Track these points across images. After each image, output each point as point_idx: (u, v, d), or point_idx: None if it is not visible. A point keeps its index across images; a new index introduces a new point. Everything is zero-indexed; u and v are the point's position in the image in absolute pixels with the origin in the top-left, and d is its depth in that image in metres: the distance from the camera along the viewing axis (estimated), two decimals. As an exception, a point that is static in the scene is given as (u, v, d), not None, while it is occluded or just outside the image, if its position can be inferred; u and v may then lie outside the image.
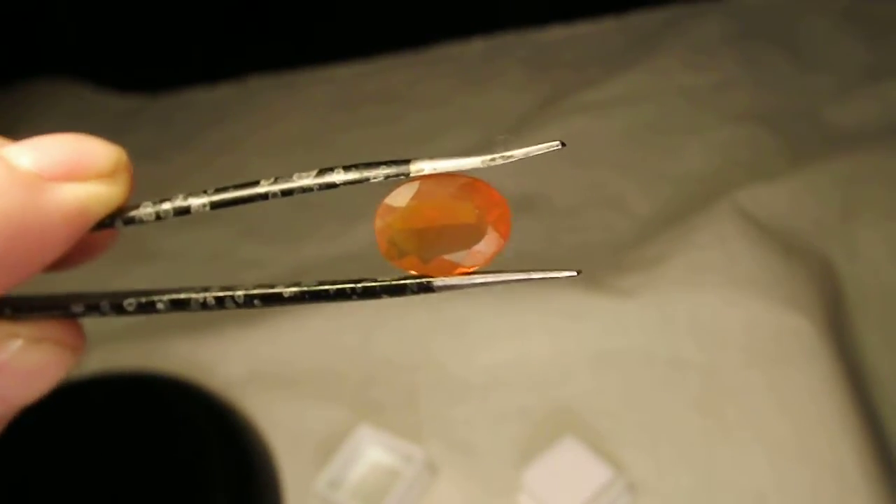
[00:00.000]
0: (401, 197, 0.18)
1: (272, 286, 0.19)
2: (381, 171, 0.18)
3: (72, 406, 0.58)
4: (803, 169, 0.70)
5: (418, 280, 0.18)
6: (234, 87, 1.01)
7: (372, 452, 0.57)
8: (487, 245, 0.18)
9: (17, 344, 0.18)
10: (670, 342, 0.59)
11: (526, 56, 0.94)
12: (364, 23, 1.01)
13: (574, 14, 0.95)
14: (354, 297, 0.18)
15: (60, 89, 1.03)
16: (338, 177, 0.18)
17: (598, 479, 0.51)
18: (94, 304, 0.20)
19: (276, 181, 0.18)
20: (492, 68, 0.94)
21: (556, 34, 0.96)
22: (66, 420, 0.58)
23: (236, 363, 0.64)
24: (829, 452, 0.52)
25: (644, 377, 0.58)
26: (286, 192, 0.18)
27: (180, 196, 0.19)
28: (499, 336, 0.62)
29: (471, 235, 0.18)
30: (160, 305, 0.20)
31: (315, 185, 0.18)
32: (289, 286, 0.19)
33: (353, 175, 0.18)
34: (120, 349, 0.66)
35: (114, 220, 0.19)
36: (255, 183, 0.18)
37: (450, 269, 0.18)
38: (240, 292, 0.19)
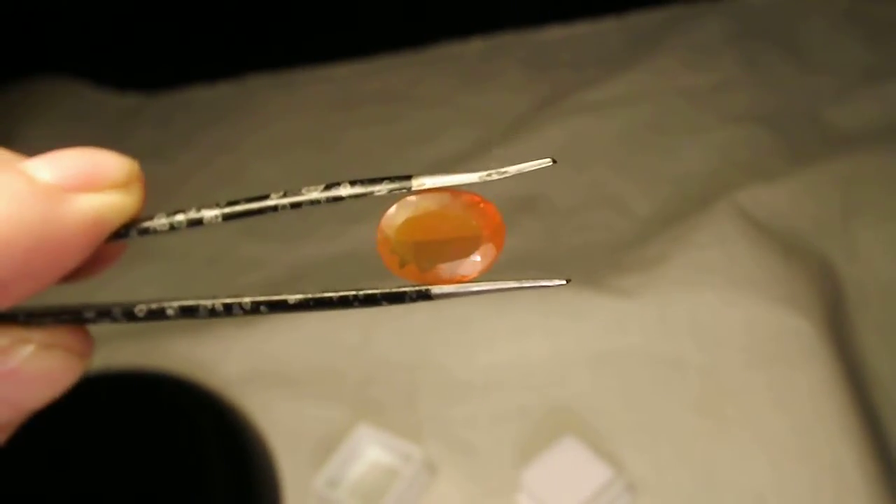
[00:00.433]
0: (402, 210, 0.19)
1: (278, 293, 0.20)
2: (385, 186, 0.19)
3: (72, 403, 0.58)
4: (803, 169, 0.70)
5: (417, 288, 0.19)
6: (234, 87, 1.01)
7: (371, 451, 0.57)
8: (483, 256, 0.19)
9: (29, 349, 0.19)
10: (670, 342, 0.59)
11: (525, 56, 0.94)
12: (363, 22, 1.01)
13: (573, 14, 0.95)
14: (356, 304, 0.19)
15: (60, 88, 1.03)
16: (344, 191, 0.19)
17: (597, 478, 0.51)
18: (106, 311, 0.21)
19: (285, 195, 0.19)
20: (491, 68, 0.94)
21: (555, 34, 0.96)
22: (67, 417, 0.57)
23: (236, 362, 0.64)
24: (829, 452, 0.52)
25: (644, 377, 0.58)
26: (295, 205, 0.19)
27: (193, 208, 0.20)
28: (498, 336, 0.62)
29: (467, 246, 0.19)
30: (170, 312, 0.20)
31: (322, 198, 0.19)
32: (293, 294, 0.19)
33: (358, 189, 0.19)
34: (120, 347, 0.66)
35: (129, 230, 0.20)
36: (266, 196, 0.19)
37: (447, 278, 0.19)
38: (247, 299, 0.20)
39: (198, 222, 0.20)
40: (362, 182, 0.19)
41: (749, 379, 0.57)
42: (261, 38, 1.03)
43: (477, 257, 0.19)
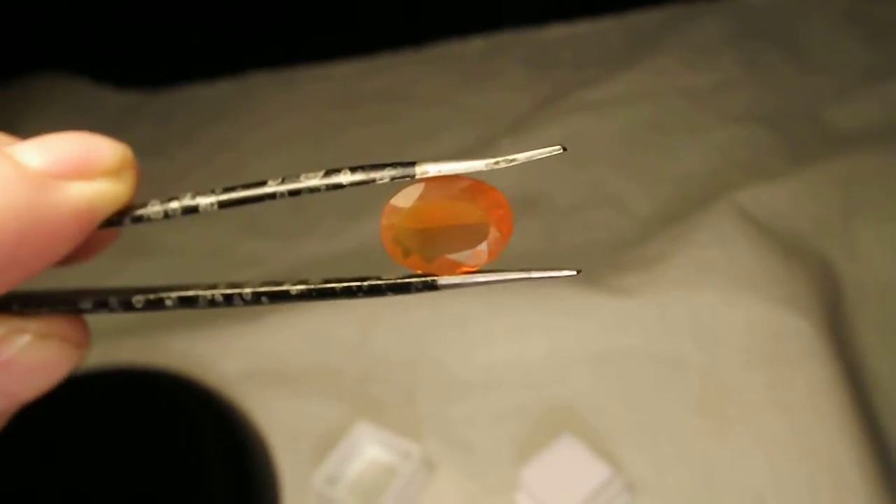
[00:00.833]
0: (406, 198, 0.18)
1: (279, 283, 0.19)
2: (387, 173, 0.18)
3: (70, 400, 0.58)
4: (803, 169, 0.70)
5: (422, 278, 0.18)
6: (234, 84, 1.01)
7: (370, 449, 0.57)
8: (490, 245, 0.18)
9: (25, 339, 0.19)
10: (669, 341, 0.59)
11: (526, 55, 0.94)
12: (364, 20, 1.01)
13: (574, 13, 0.96)
14: (360, 294, 0.19)
15: (60, 85, 1.03)
16: (344, 178, 0.18)
17: (596, 477, 0.51)
18: (103, 301, 0.20)
19: (283, 181, 0.18)
20: (492, 67, 0.94)
21: (555, 33, 0.96)
22: (65, 413, 0.57)
23: (235, 359, 0.64)
24: (828, 452, 0.52)
25: (643, 376, 0.58)
26: (293, 192, 0.18)
27: (188, 195, 0.19)
28: (498, 334, 0.62)
29: (474, 235, 0.18)
30: (168, 302, 0.20)
31: (322, 185, 0.18)
32: (295, 284, 0.19)
33: (359, 176, 0.18)
34: (119, 344, 0.66)
35: (122, 217, 0.19)
36: (263, 183, 0.19)
37: (453, 268, 0.18)
38: (247, 290, 0.19)
39: (193, 210, 0.19)
40: (363, 168, 0.18)
41: (748, 378, 0.57)
42: (261, 35, 1.03)
43: (484, 246, 0.18)
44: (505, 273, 0.18)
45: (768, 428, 0.54)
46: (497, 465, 0.55)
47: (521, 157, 0.18)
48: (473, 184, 0.18)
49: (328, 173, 0.18)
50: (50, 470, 0.58)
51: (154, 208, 0.19)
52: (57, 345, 0.19)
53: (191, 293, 0.20)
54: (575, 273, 0.17)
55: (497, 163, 0.18)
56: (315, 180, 0.18)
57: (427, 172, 0.18)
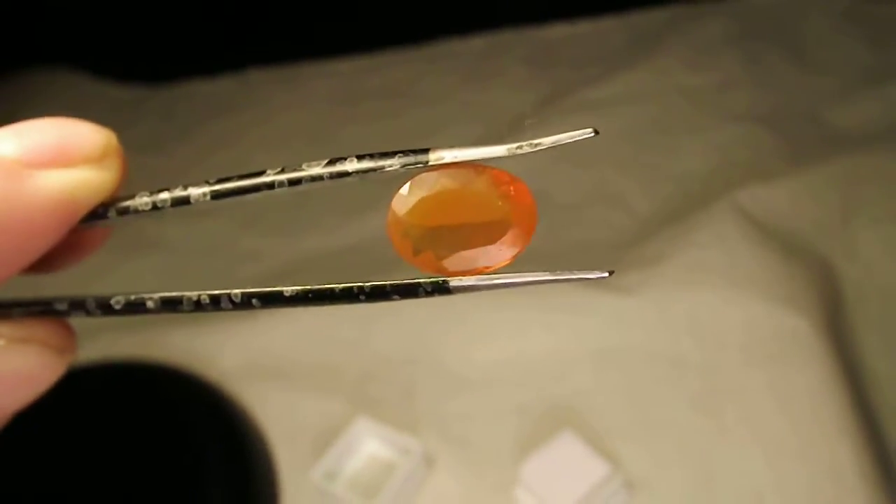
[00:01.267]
0: (417, 188, 0.16)
1: (272, 285, 0.18)
2: (398, 160, 0.16)
3: (69, 394, 0.58)
4: (803, 169, 0.70)
5: (433, 280, 0.16)
6: (235, 80, 1.01)
7: (369, 445, 0.57)
8: (511, 242, 0.16)
9: None
10: (669, 340, 0.59)
11: (527, 54, 0.94)
12: (366, 18, 1.01)
13: (575, 12, 0.96)
14: (362, 297, 0.17)
15: (61, 79, 1.03)
16: (350, 165, 0.16)
17: (595, 474, 0.51)
18: (80, 302, 0.19)
19: (283, 170, 0.17)
20: (492, 65, 0.94)
21: (556, 32, 0.96)
22: (64, 408, 0.57)
23: (234, 354, 0.64)
24: (827, 452, 0.52)
25: (643, 375, 0.58)
26: (294, 182, 0.17)
27: (179, 186, 0.18)
28: (497, 332, 0.62)
29: (493, 232, 0.16)
30: (150, 304, 0.18)
31: (326, 174, 0.16)
32: (290, 285, 0.17)
33: (366, 164, 0.16)
34: (118, 339, 0.66)
35: (107, 209, 0.18)
36: (261, 172, 0.17)
37: (468, 268, 0.16)
38: (237, 291, 0.17)
39: (184, 201, 0.17)
40: (371, 156, 0.16)
41: (748, 378, 0.57)
42: (263, 32, 1.03)
43: (503, 245, 0.16)
44: (526, 275, 0.16)
45: (767, 427, 0.54)
46: (496, 462, 0.55)
47: (547, 141, 0.16)
48: (493, 172, 0.16)
49: (332, 161, 0.17)
50: (49, 462, 0.58)
51: (142, 200, 0.18)
52: (37, 351, 0.17)
53: (174, 294, 0.18)
54: (606, 275, 0.15)
55: (520, 147, 0.16)
56: (318, 169, 0.17)
57: (442, 159, 0.16)
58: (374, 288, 0.17)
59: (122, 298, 0.18)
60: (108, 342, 0.65)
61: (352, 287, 0.17)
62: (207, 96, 1.00)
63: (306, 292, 0.17)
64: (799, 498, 0.51)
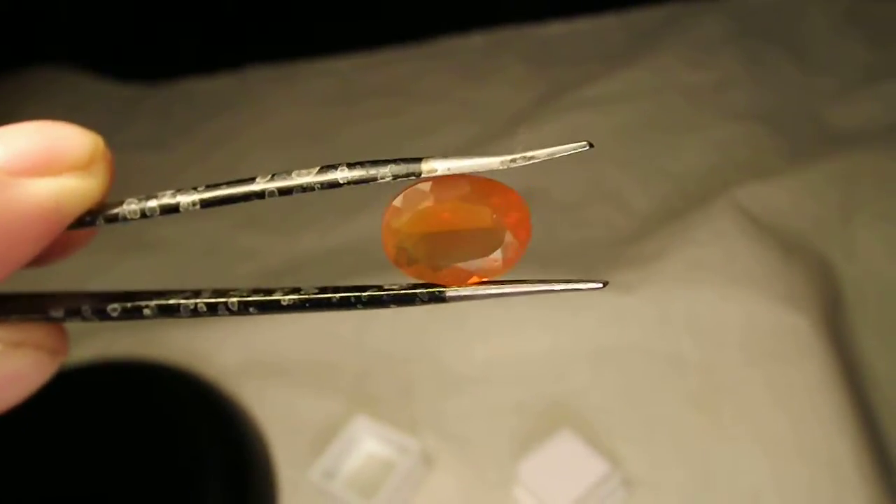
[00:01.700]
0: (411, 198, 0.17)
1: (270, 292, 0.18)
2: (389, 170, 0.16)
3: (68, 392, 0.58)
4: (802, 168, 0.70)
5: (429, 289, 0.17)
6: (234, 78, 1.01)
7: (367, 443, 0.57)
8: (505, 252, 0.17)
9: None
10: (668, 338, 0.59)
11: (526, 51, 0.94)
12: (364, 15, 1.01)
13: (574, 10, 0.95)
14: (359, 305, 0.17)
15: (59, 78, 1.03)
16: (341, 175, 0.16)
17: (593, 473, 0.51)
18: (76, 309, 0.18)
19: (273, 178, 0.17)
20: (492, 63, 0.94)
21: (556, 30, 0.96)
22: (62, 406, 0.57)
23: (233, 352, 0.64)
24: (826, 450, 0.52)
25: (641, 373, 0.58)
26: (284, 191, 0.17)
27: (168, 193, 0.17)
28: (496, 330, 0.62)
29: (487, 242, 0.16)
30: (147, 312, 0.18)
31: (316, 183, 0.16)
32: (287, 293, 0.17)
33: (358, 173, 0.16)
34: (117, 337, 0.66)
35: (95, 217, 0.18)
36: (251, 180, 0.17)
37: (463, 278, 0.17)
38: (234, 299, 0.18)
39: (173, 209, 0.17)
40: (363, 164, 0.16)
41: (746, 376, 0.57)
42: (262, 30, 1.03)
43: (498, 254, 0.16)
44: (521, 284, 0.16)
45: (766, 425, 0.54)
46: (495, 460, 0.55)
47: (542, 154, 0.16)
48: (487, 183, 0.16)
49: (323, 169, 0.16)
50: (48, 461, 0.58)
51: (130, 207, 0.17)
52: (31, 354, 0.17)
53: (172, 301, 0.18)
54: (601, 285, 0.16)
55: (514, 160, 0.16)
56: (308, 178, 0.16)
57: (434, 171, 0.16)
58: (370, 297, 0.17)
59: (118, 306, 0.18)
60: (107, 341, 0.65)
61: (349, 296, 0.17)
62: (206, 94, 0.99)
63: (303, 301, 0.17)
64: (798, 496, 0.51)
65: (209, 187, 0.17)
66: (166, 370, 0.63)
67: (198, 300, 0.18)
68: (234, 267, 0.75)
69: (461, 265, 0.17)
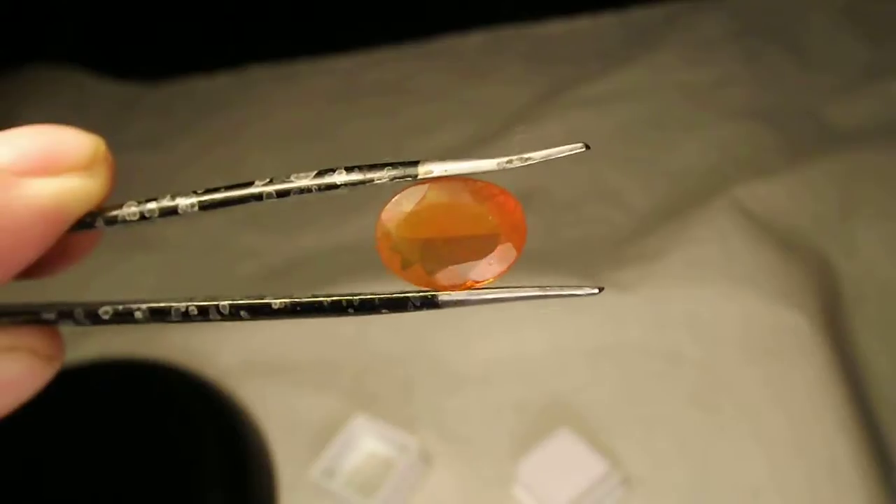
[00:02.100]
0: (406, 201, 0.16)
1: (261, 297, 0.18)
2: (387, 173, 0.16)
3: (68, 392, 0.58)
4: (802, 166, 0.70)
5: (422, 294, 0.17)
6: (234, 77, 1.01)
7: (367, 442, 0.57)
8: (501, 257, 0.16)
9: None
10: (667, 337, 0.59)
11: (525, 50, 0.94)
12: (364, 14, 1.01)
13: (574, 9, 0.95)
14: (351, 311, 0.17)
15: (59, 76, 1.03)
16: (339, 178, 0.16)
17: (592, 471, 0.51)
18: (68, 312, 0.19)
19: (271, 181, 0.17)
20: (491, 62, 0.94)
21: (555, 28, 0.96)
22: (62, 406, 0.57)
23: (232, 352, 0.64)
24: (825, 448, 0.52)
25: (640, 371, 0.58)
26: (282, 194, 0.17)
27: (168, 196, 0.18)
28: (495, 328, 0.62)
29: (482, 246, 0.16)
30: (138, 315, 0.18)
31: (314, 186, 0.17)
32: (279, 297, 0.17)
33: (355, 176, 0.16)
34: (116, 336, 0.66)
35: (95, 218, 0.18)
36: (249, 183, 0.17)
37: (458, 283, 0.17)
38: (225, 302, 0.18)
39: (172, 212, 0.17)
40: (360, 168, 0.16)
41: (745, 374, 0.57)
42: (261, 28, 1.03)
43: (493, 259, 0.16)
44: (516, 290, 0.16)
45: (765, 423, 0.54)
46: (494, 459, 0.55)
47: (538, 155, 0.16)
48: (483, 186, 0.16)
49: (321, 173, 0.17)
50: (48, 459, 0.58)
51: (130, 209, 0.18)
52: (26, 359, 0.17)
53: (163, 305, 0.18)
54: (596, 291, 0.16)
55: (510, 162, 0.16)
56: (306, 180, 0.17)
57: (431, 172, 0.16)
58: (362, 301, 0.17)
59: (109, 308, 0.18)
60: (106, 339, 0.65)
61: (340, 300, 0.17)
62: (206, 93, 0.99)
63: (294, 305, 0.17)
64: (796, 494, 0.51)
65: (208, 191, 0.17)
66: (166, 369, 0.63)
67: (189, 304, 0.18)
68: (234, 266, 0.75)
69: (456, 269, 0.17)
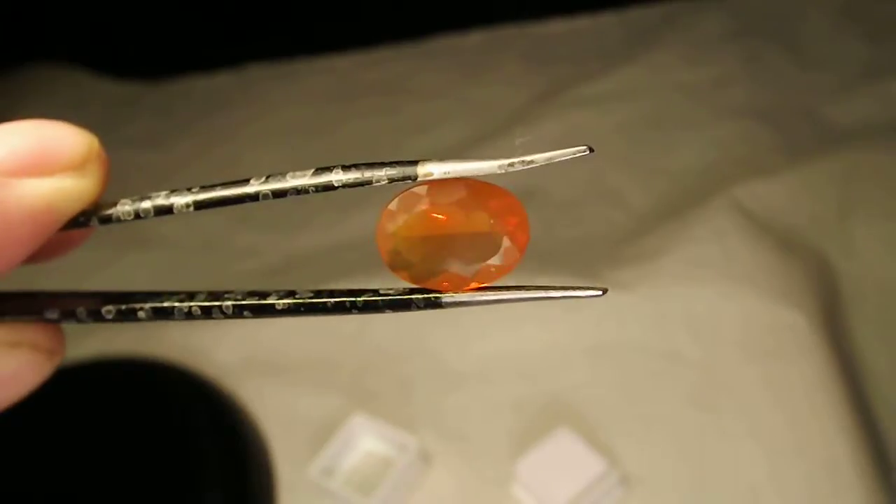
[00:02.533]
0: (407, 202, 0.16)
1: (264, 295, 0.17)
2: (385, 173, 0.16)
3: (67, 390, 0.58)
4: (801, 166, 0.70)
5: (425, 295, 0.17)
6: (233, 76, 1.01)
7: (366, 441, 0.57)
8: (503, 257, 0.16)
9: None
10: (666, 336, 0.59)
11: (524, 49, 0.94)
12: (363, 13, 1.01)
13: (573, 8, 0.95)
14: (354, 311, 0.17)
15: (58, 76, 1.03)
16: (336, 177, 0.16)
17: (591, 470, 0.51)
18: (71, 312, 0.19)
19: (267, 180, 0.17)
20: (490, 61, 0.94)
21: (554, 28, 0.96)
22: (61, 404, 0.57)
23: (231, 350, 0.64)
24: (823, 447, 0.52)
25: (639, 370, 0.58)
26: (278, 194, 0.16)
27: (162, 194, 0.17)
28: (494, 327, 0.62)
29: (485, 247, 0.16)
30: (141, 314, 0.18)
31: (311, 185, 0.16)
32: (282, 297, 0.17)
33: (353, 175, 0.16)
34: (115, 334, 0.66)
35: (89, 217, 0.18)
36: (245, 182, 0.17)
37: (460, 284, 0.17)
38: (228, 302, 0.18)
39: (167, 210, 0.17)
40: (358, 167, 0.16)
41: (744, 373, 0.57)
42: (261, 27, 1.03)
43: (496, 260, 0.16)
44: (519, 291, 0.16)
45: (764, 422, 0.54)
46: (493, 458, 0.55)
47: (541, 158, 0.15)
48: (485, 186, 0.16)
49: (318, 172, 0.16)
50: (47, 459, 0.58)
51: (124, 208, 0.17)
52: (27, 354, 0.17)
53: (166, 304, 0.18)
54: (599, 293, 0.15)
55: (512, 164, 0.15)
56: (303, 180, 0.16)
57: (430, 174, 0.16)
58: (366, 302, 0.17)
59: (112, 308, 0.18)
60: (105, 338, 0.65)
61: (344, 301, 0.17)
62: (205, 92, 0.99)
63: (298, 305, 0.17)
64: (795, 493, 0.51)
65: (203, 188, 0.17)
66: (165, 368, 0.63)
67: (192, 303, 0.18)
68: (232, 264, 0.75)
69: (458, 270, 0.16)
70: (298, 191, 0.16)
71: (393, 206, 0.16)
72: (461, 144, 0.82)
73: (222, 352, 0.64)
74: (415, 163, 0.16)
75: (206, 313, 0.18)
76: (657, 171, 0.75)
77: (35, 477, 0.57)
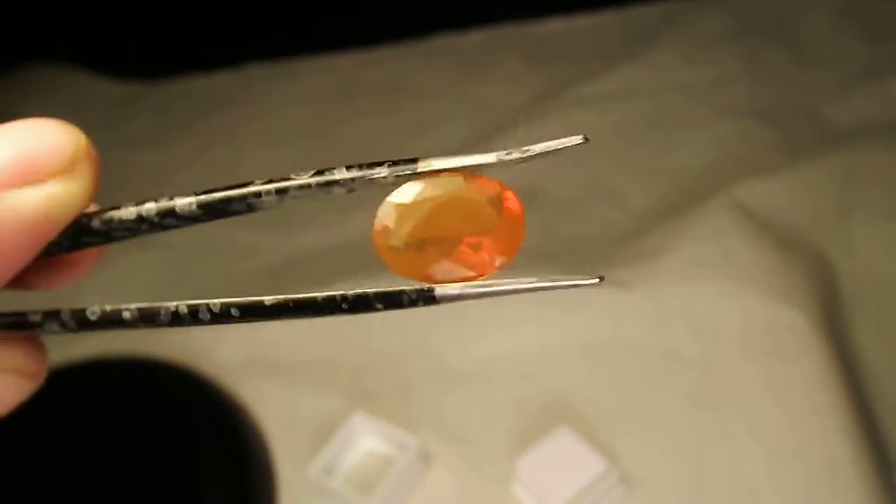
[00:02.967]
0: (404, 195, 0.16)
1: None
2: (387, 169, 0.16)
3: (67, 390, 0.58)
4: (800, 165, 0.70)
5: (418, 288, 0.16)
6: (233, 76, 1.01)
7: (366, 440, 0.57)
8: (499, 251, 0.16)
9: None
10: (666, 335, 0.59)
11: (524, 48, 0.94)
12: (363, 13, 1.01)
13: (573, 7, 0.95)
14: (345, 306, 0.16)
15: (58, 75, 1.03)
16: (339, 175, 0.16)
17: (591, 469, 0.51)
18: (55, 313, 0.18)
19: (270, 180, 0.16)
20: (490, 60, 0.94)
21: (554, 27, 0.95)
22: (62, 404, 0.57)
23: (232, 350, 0.64)
24: (823, 445, 0.52)
25: (639, 369, 0.58)
26: (281, 192, 0.16)
27: (165, 198, 0.17)
28: (494, 326, 0.62)
29: (481, 241, 0.16)
30: (127, 315, 0.18)
31: (314, 183, 0.16)
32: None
33: (355, 173, 0.16)
34: (115, 335, 0.65)
35: (90, 219, 0.17)
36: (249, 183, 0.17)
37: (455, 278, 0.16)
38: (216, 301, 0.17)
39: (170, 213, 0.17)
40: (360, 166, 0.16)
41: (744, 372, 0.57)
42: (260, 27, 1.03)
43: (491, 254, 0.16)
44: (514, 282, 0.16)
45: (764, 421, 0.54)
46: (493, 457, 0.56)
47: (538, 147, 0.15)
48: (484, 181, 0.16)
49: (320, 171, 0.16)
50: (48, 458, 0.58)
51: (127, 211, 0.17)
52: (11, 378, 0.17)
53: (153, 305, 0.18)
54: (597, 281, 0.15)
55: (509, 153, 0.15)
56: (306, 179, 0.16)
57: (430, 166, 0.16)
58: (357, 298, 0.16)
59: (97, 309, 0.18)
60: (105, 338, 0.65)
61: (334, 297, 0.17)
62: (204, 92, 0.99)
63: (287, 302, 0.17)
64: (795, 492, 0.51)
65: (206, 192, 0.17)
66: (166, 367, 0.63)
67: (178, 303, 0.18)
68: (233, 264, 0.75)
69: (453, 264, 0.16)
70: (301, 188, 0.16)
71: (391, 198, 0.16)
72: (461, 143, 0.82)
73: (223, 351, 0.64)
74: (415, 160, 0.16)
75: (194, 315, 0.17)
76: (657, 171, 0.75)
77: (35, 477, 0.57)
